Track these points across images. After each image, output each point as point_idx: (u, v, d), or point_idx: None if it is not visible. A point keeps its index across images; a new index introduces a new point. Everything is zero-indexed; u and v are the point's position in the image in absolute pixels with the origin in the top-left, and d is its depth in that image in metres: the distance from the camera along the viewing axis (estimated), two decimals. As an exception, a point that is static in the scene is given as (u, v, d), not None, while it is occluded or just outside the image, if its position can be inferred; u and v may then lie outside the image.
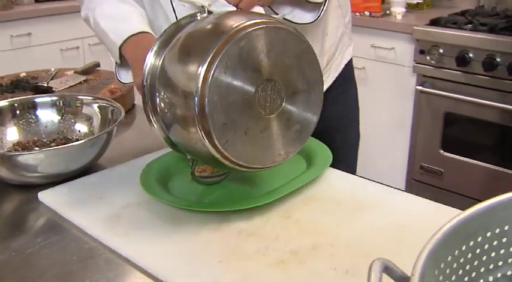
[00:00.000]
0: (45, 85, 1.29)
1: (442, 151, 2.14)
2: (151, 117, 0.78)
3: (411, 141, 2.23)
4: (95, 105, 1.03)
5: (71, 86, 1.32)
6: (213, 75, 0.67)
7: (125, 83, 1.02)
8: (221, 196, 0.89)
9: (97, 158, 0.96)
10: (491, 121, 1.98)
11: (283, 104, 0.75)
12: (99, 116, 1.02)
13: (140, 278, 0.71)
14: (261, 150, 0.75)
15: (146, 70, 0.77)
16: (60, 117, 1.05)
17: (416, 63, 2.10)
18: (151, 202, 0.86)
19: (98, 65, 1.44)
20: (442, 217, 0.81)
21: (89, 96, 1.06)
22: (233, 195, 0.89)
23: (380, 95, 2.29)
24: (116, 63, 1.02)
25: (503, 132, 1.98)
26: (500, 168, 2.01)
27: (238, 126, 0.71)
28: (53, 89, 1.27)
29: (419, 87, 2.09)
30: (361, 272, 0.70)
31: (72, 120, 1.06)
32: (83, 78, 1.37)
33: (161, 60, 0.76)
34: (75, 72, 1.40)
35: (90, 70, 1.42)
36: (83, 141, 0.89)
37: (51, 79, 1.36)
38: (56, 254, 0.76)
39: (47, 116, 1.05)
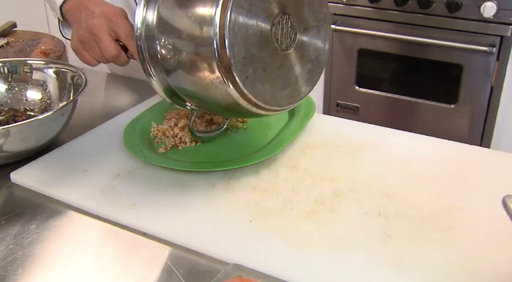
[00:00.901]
0: (-37, 52, 1.13)
1: (357, 87, 2.19)
2: (150, 70, 0.71)
3: (326, 79, 2.26)
4: (50, 70, 0.91)
5: (-8, 51, 1.17)
6: (231, 7, 0.64)
7: (69, 39, 0.91)
8: (217, 155, 0.83)
9: (63, 129, 0.86)
10: (402, 54, 2.06)
11: (296, 40, 0.73)
12: (56, 82, 0.90)
13: (168, 251, 0.65)
14: (278, 89, 0.72)
15: (138, 23, 0.70)
16: (6, 86, 0.92)
17: (328, 2, 2.10)
18: (143, 168, 0.79)
19: (15, 25, 1.28)
20: (437, 148, 0.84)
21: (40, 60, 0.93)
22: (231, 153, 0.83)
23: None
24: (59, 20, 0.92)
25: (412, 63, 2.07)
26: (412, 98, 2.10)
27: (257, 62, 0.68)
28: (-26, 56, 1.12)
29: (332, 26, 2.10)
30: (392, 212, 0.70)
31: (19, 89, 0.93)
32: (3, 41, 1.21)
33: (156, 10, 0.69)
34: (-9, 35, 1.24)
35: (8, 32, 1.26)
36: (57, 109, 0.78)
37: (-36, 45, 1.19)
38: (59, 238, 0.67)
39: (-11, 86, 0.92)
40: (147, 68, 0.71)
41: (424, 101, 2.07)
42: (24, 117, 0.91)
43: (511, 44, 1.87)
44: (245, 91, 0.67)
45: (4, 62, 0.92)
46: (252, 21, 0.66)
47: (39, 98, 0.94)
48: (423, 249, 0.63)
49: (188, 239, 0.65)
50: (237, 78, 0.66)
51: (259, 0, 0.67)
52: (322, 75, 2.28)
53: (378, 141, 0.86)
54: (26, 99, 0.94)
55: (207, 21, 0.64)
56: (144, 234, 0.67)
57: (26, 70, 0.92)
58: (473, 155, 0.82)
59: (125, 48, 0.82)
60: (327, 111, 2.29)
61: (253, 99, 0.68)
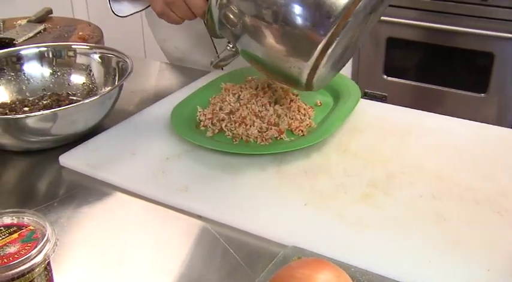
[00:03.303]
0: (7, 37, 1.12)
1: (385, 76, 2.17)
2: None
3: (354, 68, 2.24)
4: (94, 55, 0.91)
5: (31, 37, 1.17)
6: None
7: (122, 16, 0.91)
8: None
9: (109, 112, 0.86)
10: (431, 43, 2.03)
11: (369, 20, 0.73)
12: (101, 67, 0.90)
13: (224, 232, 0.64)
14: (332, 73, 0.74)
15: None
16: (51, 71, 0.92)
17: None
18: (192, 151, 0.78)
19: (51, 11, 1.28)
20: (482, 133, 0.82)
21: (84, 44, 0.93)
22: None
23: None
24: None
25: (442, 52, 2.04)
26: (441, 87, 2.07)
27: (339, 50, 0.70)
28: (14, 42, 1.11)
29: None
30: (445, 195, 0.69)
31: (63, 73, 0.93)
32: (41, 27, 1.21)
33: None
34: (28, 21, 1.23)
35: (44, 17, 1.26)
36: (105, 92, 0.78)
37: (3, 31, 1.19)
38: (106, 220, 0.67)
39: (35, 70, 0.92)
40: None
41: (453, 90, 2.04)
42: (67, 102, 0.90)
43: (545, 31, 1.83)
44: (318, 73, 0.68)
45: (48, 46, 0.91)
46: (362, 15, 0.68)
47: (82, 82, 0.93)
48: (480, 231, 0.62)
49: (244, 221, 0.64)
50: (323, 60, 0.67)
51: None
52: (350, 64, 2.27)
53: (423, 125, 0.85)
54: (69, 84, 0.94)
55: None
56: (200, 217, 0.67)
57: (70, 54, 0.91)
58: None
59: None
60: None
61: (314, 80, 0.68)
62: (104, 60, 0.90)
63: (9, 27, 1.21)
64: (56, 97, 0.92)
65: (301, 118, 0.83)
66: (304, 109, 0.85)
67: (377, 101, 2.20)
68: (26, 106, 0.89)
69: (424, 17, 1.98)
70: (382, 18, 2.01)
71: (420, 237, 0.62)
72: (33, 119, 0.75)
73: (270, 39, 0.69)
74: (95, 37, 1.12)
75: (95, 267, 0.60)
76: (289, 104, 0.85)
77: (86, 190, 0.72)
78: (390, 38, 2.09)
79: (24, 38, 1.15)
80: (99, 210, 0.69)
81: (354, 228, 0.63)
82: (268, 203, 0.67)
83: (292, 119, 0.82)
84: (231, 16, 0.70)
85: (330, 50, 0.66)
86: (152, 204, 0.69)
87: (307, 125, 0.82)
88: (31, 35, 1.16)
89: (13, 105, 0.89)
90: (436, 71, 2.09)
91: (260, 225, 0.64)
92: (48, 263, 0.53)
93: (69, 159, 0.77)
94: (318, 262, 0.47)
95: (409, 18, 1.99)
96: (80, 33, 1.14)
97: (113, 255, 0.61)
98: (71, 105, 0.75)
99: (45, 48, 0.91)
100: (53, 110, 0.75)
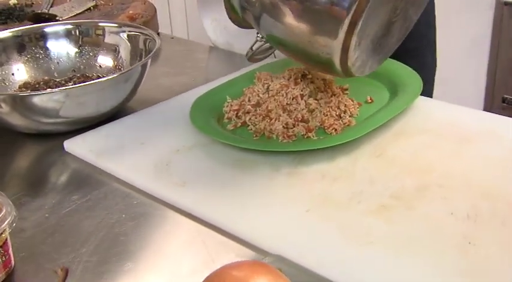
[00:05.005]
0: (47, 13, 1.27)
1: (529, 79, 2.11)
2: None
3: (490, 69, 2.19)
4: (123, 34, 1.01)
5: (78, 14, 1.30)
6: None
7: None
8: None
9: (130, 98, 0.95)
10: None
11: (409, 2, 0.78)
12: (129, 47, 1.00)
13: (210, 235, 0.70)
14: (374, 58, 0.79)
15: None
16: (77, 50, 1.03)
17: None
18: (206, 145, 0.85)
19: (107, -14, 1.42)
20: None
21: (112, 22, 1.04)
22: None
23: (449, 11, 2.24)
24: None
25: None
26: None
27: (371, 36, 0.75)
28: (58, 18, 1.25)
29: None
30: (485, 216, 0.69)
31: (92, 54, 1.04)
32: (91, 3, 1.34)
33: None
34: (80, -4, 1.38)
35: (98, -7, 1.40)
36: (116, 74, 0.87)
37: (51, 6, 1.34)
38: (99, 213, 0.75)
39: (60, 49, 1.04)
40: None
41: None
42: (93, 85, 1.01)
43: None
44: (351, 55, 0.73)
45: (76, 24, 1.03)
46: None
47: (113, 64, 1.04)
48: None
49: (233, 223, 0.70)
50: (353, 40, 0.72)
51: None
52: (485, 64, 2.22)
53: (495, 133, 0.85)
54: (100, 66, 1.05)
55: None
56: (189, 215, 0.73)
57: (99, 33, 1.02)
58: None
59: None
60: (488, 107, 2.23)
61: (351, 65, 0.74)
62: (132, 40, 1.00)
63: (59, 2, 1.36)
64: (84, 79, 1.03)
65: (338, 115, 0.87)
66: (345, 105, 0.88)
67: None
68: (50, 87, 1.01)
69: None
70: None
71: (433, 261, 0.63)
72: (39, 98, 0.85)
73: (290, 18, 0.74)
74: (145, 16, 1.23)
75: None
76: (330, 98, 0.89)
77: (82, 178, 0.82)
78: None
79: (70, 15, 1.29)
80: (88, 200, 0.77)
81: (354, 243, 0.66)
82: (267, 206, 0.72)
83: (326, 115, 0.86)
84: None
85: (358, 27, 0.70)
86: (145, 197, 0.77)
87: (345, 123, 0.86)
88: (78, 11, 1.30)
89: (36, 86, 1.02)
90: None
91: (245, 228, 0.69)
92: (5, 243, 0.62)
93: (74, 145, 0.87)
94: (254, 264, 0.51)
95: None
96: (131, 11, 1.25)
97: (80, 244, 0.69)
98: (76, 86, 0.85)
99: (72, 26, 1.03)
100: (59, 89, 0.85)
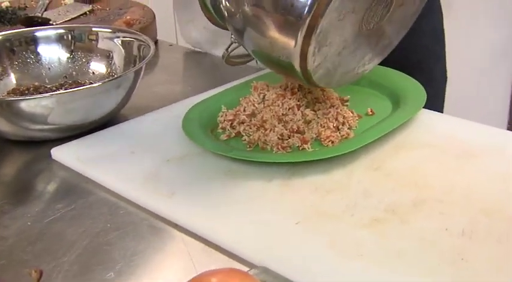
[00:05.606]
0: (40, 16, 1.31)
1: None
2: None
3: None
4: (117, 40, 1.05)
5: (73, 19, 1.35)
6: None
7: None
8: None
9: (122, 105, 0.98)
10: None
11: (386, 17, 0.80)
12: (123, 53, 1.04)
13: (196, 246, 0.73)
14: (342, 71, 0.81)
15: None
16: (69, 55, 1.07)
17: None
18: (198, 155, 0.88)
19: (106, -10, 1.47)
20: None
21: (106, 27, 1.07)
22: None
23: (469, 22, 2.27)
24: None
25: None
26: None
27: (335, 46, 0.78)
28: (51, 22, 1.29)
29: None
30: (482, 232, 0.71)
31: (84, 60, 1.08)
32: (87, 8, 1.39)
33: None
34: (75, 0, 1.42)
35: (95, -3, 1.44)
36: (107, 80, 0.90)
37: (45, 10, 1.38)
38: (84, 222, 0.78)
39: (51, 54, 1.08)
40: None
41: None
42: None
43: None
44: (311, 62, 0.77)
45: (68, 29, 1.07)
46: (352, 5, 0.75)
47: (106, 71, 1.07)
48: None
49: (220, 234, 0.73)
50: (311, 46, 0.75)
51: None
52: (508, 76, 2.23)
53: (500, 148, 0.87)
54: (93, 73, 1.09)
55: None
56: (176, 226, 0.76)
57: (91, 38, 1.06)
58: None
59: None
60: None
61: (311, 72, 0.77)
62: (126, 46, 1.04)
63: (54, 6, 1.41)
64: (76, 86, 1.07)
65: (336, 127, 0.90)
66: (344, 117, 0.91)
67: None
68: (40, 93, 1.05)
69: None
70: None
71: (424, 276, 0.65)
72: (27, 103, 0.89)
73: (254, 19, 0.78)
74: (143, 22, 1.27)
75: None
76: (328, 109, 0.92)
77: (69, 187, 0.85)
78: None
79: (65, 19, 1.33)
80: (72, 209, 0.80)
81: (343, 257, 0.68)
82: (255, 218, 0.75)
83: (323, 127, 0.89)
84: None
85: (316, 33, 0.73)
86: (132, 207, 0.80)
87: (343, 135, 0.89)
88: (73, 16, 1.34)
89: (26, 92, 1.05)
90: None
91: (232, 240, 0.72)
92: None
93: (61, 153, 0.91)
94: (231, 271, 0.54)
95: None
96: (128, 17, 1.29)
97: (61, 254, 0.72)
98: (63, 92, 0.88)
99: (64, 31, 1.07)
100: (47, 94, 0.89)
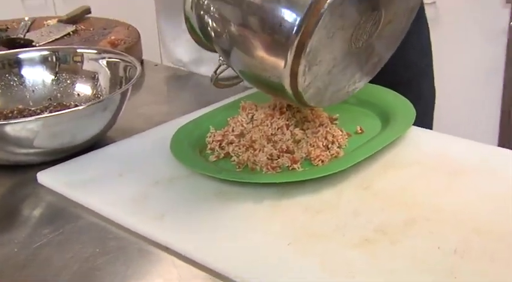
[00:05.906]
0: (23, 38, 1.33)
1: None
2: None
3: (504, 97, 2.25)
4: (102, 61, 1.07)
5: (56, 39, 1.37)
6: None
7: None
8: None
9: (108, 128, 1.01)
10: None
11: (375, 35, 0.83)
12: (108, 74, 1.06)
13: (186, 268, 0.75)
14: (333, 90, 0.84)
15: None
16: (53, 77, 1.09)
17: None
18: (187, 177, 0.90)
19: (89, 11, 1.49)
20: None
21: (92, 48, 1.10)
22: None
23: (458, 38, 2.31)
24: None
25: None
26: None
27: (325, 65, 0.81)
28: (34, 43, 1.31)
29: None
30: (474, 251, 0.73)
31: (69, 81, 1.10)
32: (71, 28, 1.41)
33: None
34: (59, 21, 1.45)
35: (79, 18, 1.46)
36: (92, 103, 0.93)
37: (27, 31, 1.40)
38: (72, 247, 0.80)
39: (36, 76, 1.10)
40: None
41: None
42: (71, 114, 1.07)
43: None
44: (301, 81, 0.79)
45: (53, 51, 1.09)
46: (343, 19, 0.78)
47: (92, 92, 1.10)
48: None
49: (210, 257, 0.75)
50: (301, 66, 0.78)
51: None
52: (498, 92, 2.27)
53: (490, 165, 0.90)
54: (78, 94, 1.11)
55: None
56: (166, 249, 0.78)
57: (76, 59, 1.08)
58: None
59: None
60: (504, 138, 2.27)
61: (302, 91, 0.80)
62: (111, 67, 1.06)
63: (36, 27, 1.43)
64: (60, 108, 1.09)
65: (325, 146, 0.92)
66: (333, 136, 0.94)
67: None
68: (24, 117, 1.07)
69: None
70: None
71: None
72: (12, 127, 0.91)
73: (242, 38, 0.81)
74: (128, 42, 1.29)
75: (33, 291, 0.73)
76: (317, 128, 0.95)
77: (56, 212, 0.87)
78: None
79: (48, 40, 1.35)
80: (60, 234, 0.82)
81: (333, 278, 0.71)
82: (244, 239, 0.77)
83: (313, 146, 0.92)
84: (201, 18, 0.83)
85: (306, 52, 0.76)
86: (121, 231, 0.82)
87: (333, 154, 0.92)
88: (57, 37, 1.37)
89: (10, 115, 1.07)
90: None
91: (223, 262, 0.74)
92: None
93: (47, 177, 0.93)
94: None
95: None
96: (113, 37, 1.31)
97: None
98: (50, 115, 0.90)
99: (48, 52, 1.09)
100: (32, 117, 0.91)
